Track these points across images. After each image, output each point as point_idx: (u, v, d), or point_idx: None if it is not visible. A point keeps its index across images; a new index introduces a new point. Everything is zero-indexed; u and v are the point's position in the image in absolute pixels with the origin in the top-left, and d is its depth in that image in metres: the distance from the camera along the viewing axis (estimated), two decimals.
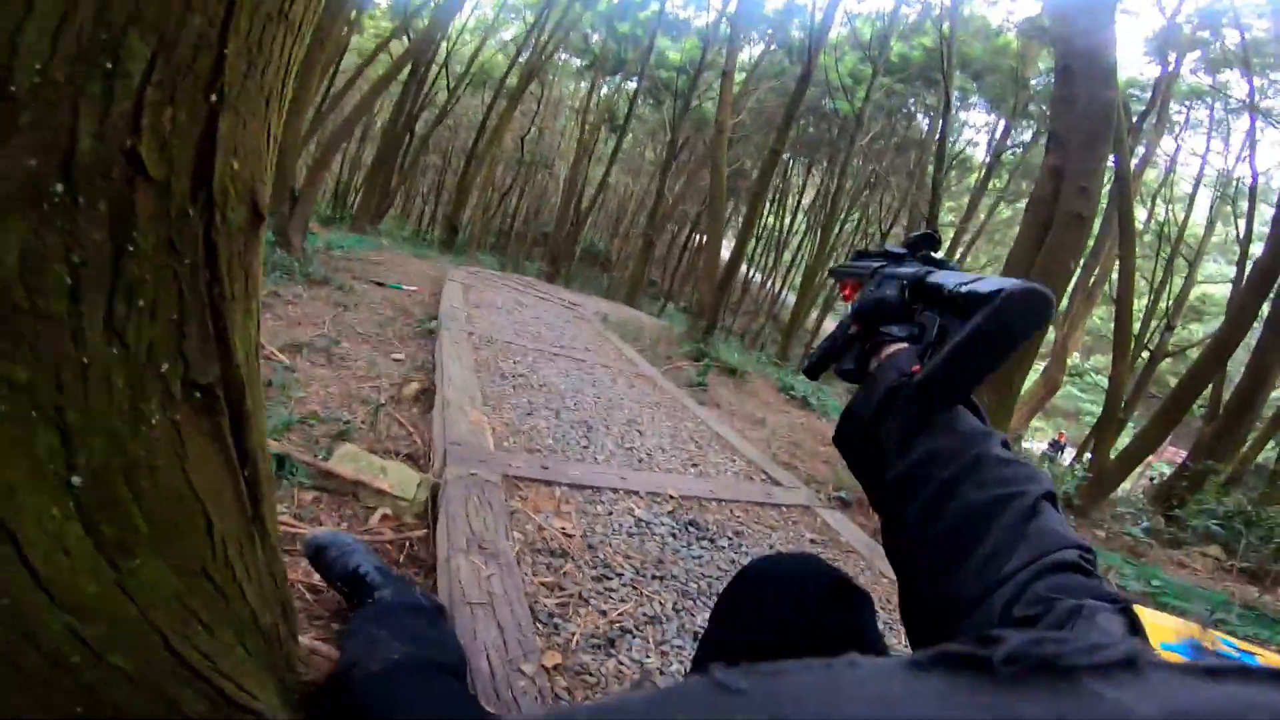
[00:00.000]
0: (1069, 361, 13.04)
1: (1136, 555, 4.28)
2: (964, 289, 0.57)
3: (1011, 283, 0.52)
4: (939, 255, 0.78)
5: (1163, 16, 10.90)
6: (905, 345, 0.67)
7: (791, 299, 19.26)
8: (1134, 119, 10.44)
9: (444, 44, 12.55)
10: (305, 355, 3.08)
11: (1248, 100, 10.30)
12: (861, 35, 12.99)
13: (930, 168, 11.66)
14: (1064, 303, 10.39)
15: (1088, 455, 8.55)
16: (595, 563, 1.75)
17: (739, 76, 12.94)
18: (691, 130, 15.60)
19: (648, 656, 1.44)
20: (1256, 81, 10.25)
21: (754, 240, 20.70)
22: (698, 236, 21.83)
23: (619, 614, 1.56)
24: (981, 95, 13.24)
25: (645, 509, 2.18)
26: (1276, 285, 5.35)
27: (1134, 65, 14.12)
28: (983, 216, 15.15)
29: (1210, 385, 6.92)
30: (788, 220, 21.15)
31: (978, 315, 0.53)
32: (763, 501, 2.62)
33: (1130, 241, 7.89)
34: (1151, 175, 13.27)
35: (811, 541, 2.38)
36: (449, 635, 1.15)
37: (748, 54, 15.53)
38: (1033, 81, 12.07)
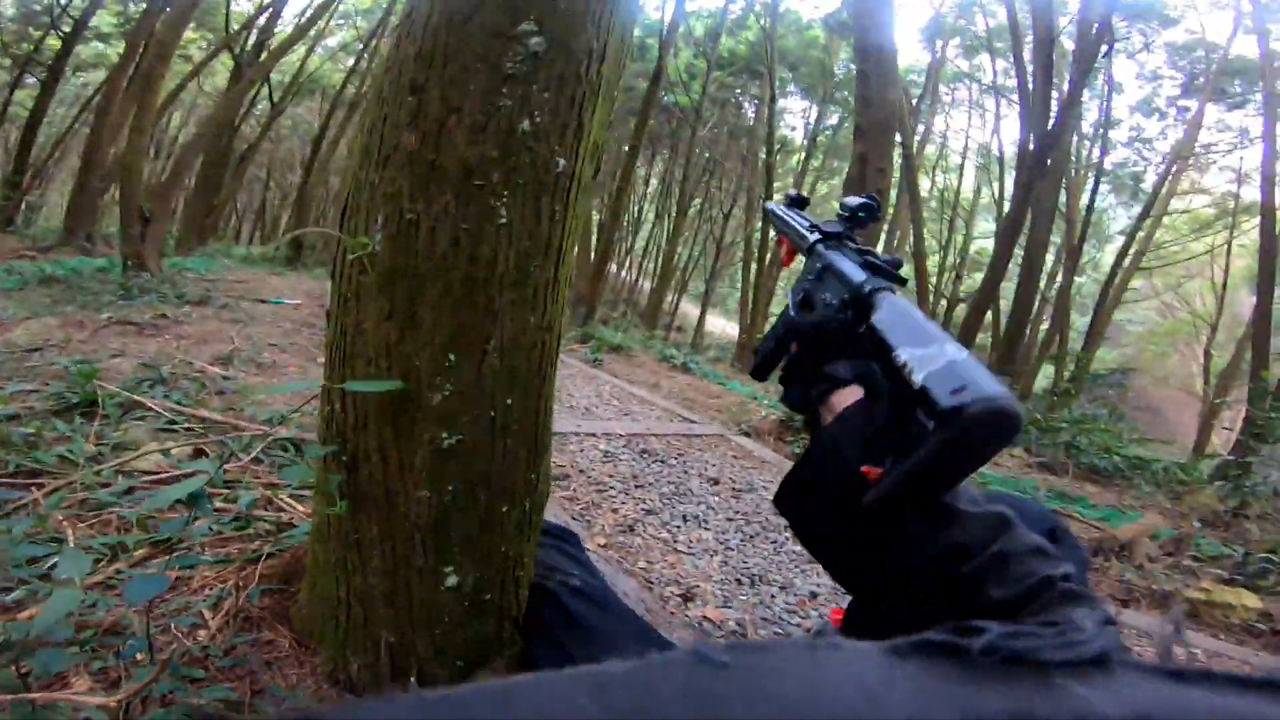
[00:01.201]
0: None
1: None
2: (920, 383, 0.48)
3: (974, 397, 0.44)
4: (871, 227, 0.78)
5: (931, 7, 13.12)
6: (856, 396, 0.61)
7: (646, 284, 20.23)
8: (913, 101, 12.47)
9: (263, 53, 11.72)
10: (237, 366, 3.14)
11: (993, 82, 12.72)
12: (695, 32, 14.04)
13: (761, 152, 13.02)
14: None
15: None
16: (591, 482, 2.21)
17: None
18: None
19: (661, 532, 1.94)
20: (999, 64, 12.64)
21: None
22: None
23: (626, 510, 2.04)
24: (797, 84, 14.86)
25: (606, 444, 2.66)
26: (1024, 235, 6.95)
27: (911, 53, 16.64)
28: (806, 194, 17.02)
29: (994, 320, 8.75)
30: (635, 210, 22.12)
31: (936, 438, 0.46)
32: (687, 434, 3.20)
33: (917, 207, 9.70)
34: (931, 149, 15.85)
35: (734, 457, 2.99)
36: (588, 559, 1.30)
37: None
38: (837, 71, 13.82)
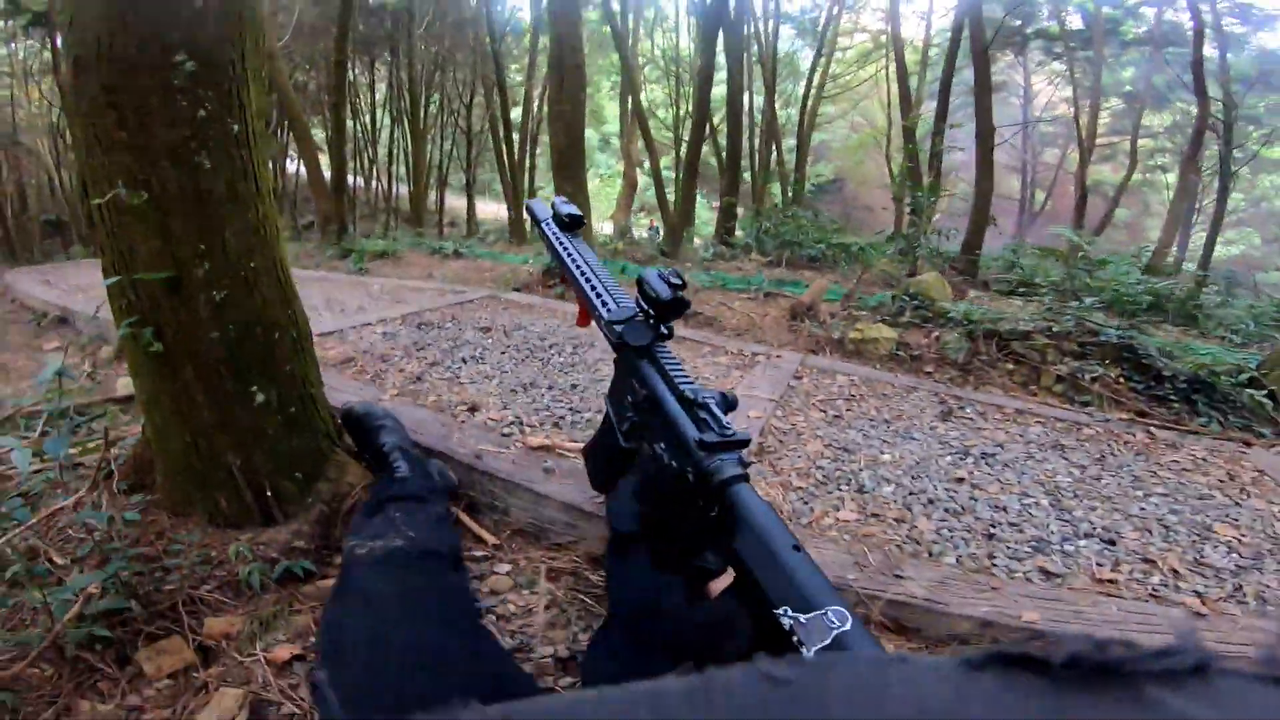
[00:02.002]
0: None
1: (708, 269, 6.37)
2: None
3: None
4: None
5: None
6: (728, 579, 0.65)
7: (403, 189, 18.95)
8: None
9: None
10: None
11: None
12: None
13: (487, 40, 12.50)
14: (618, 125, 13.26)
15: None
16: (375, 359, 2.56)
17: None
18: None
19: (445, 375, 2.41)
20: None
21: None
22: (290, 164, 19.12)
23: (412, 368, 2.46)
24: None
25: (383, 328, 3.01)
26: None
27: None
28: (540, 72, 16.68)
29: (717, 154, 9.97)
30: (368, 119, 20.05)
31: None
32: (460, 302, 3.62)
33: (633, 74, 10.48)
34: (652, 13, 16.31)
35: (504, 309, 3.49)
36: (444, 520, 1.33)
37: None
38: None
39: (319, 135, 13.16)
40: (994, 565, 1.50)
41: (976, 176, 7.00)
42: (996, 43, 13.55)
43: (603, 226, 15.55)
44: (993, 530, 1.65)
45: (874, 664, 0.23)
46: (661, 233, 12.44)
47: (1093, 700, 0.20)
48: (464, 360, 2.58)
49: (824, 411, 2.41)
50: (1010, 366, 3.36)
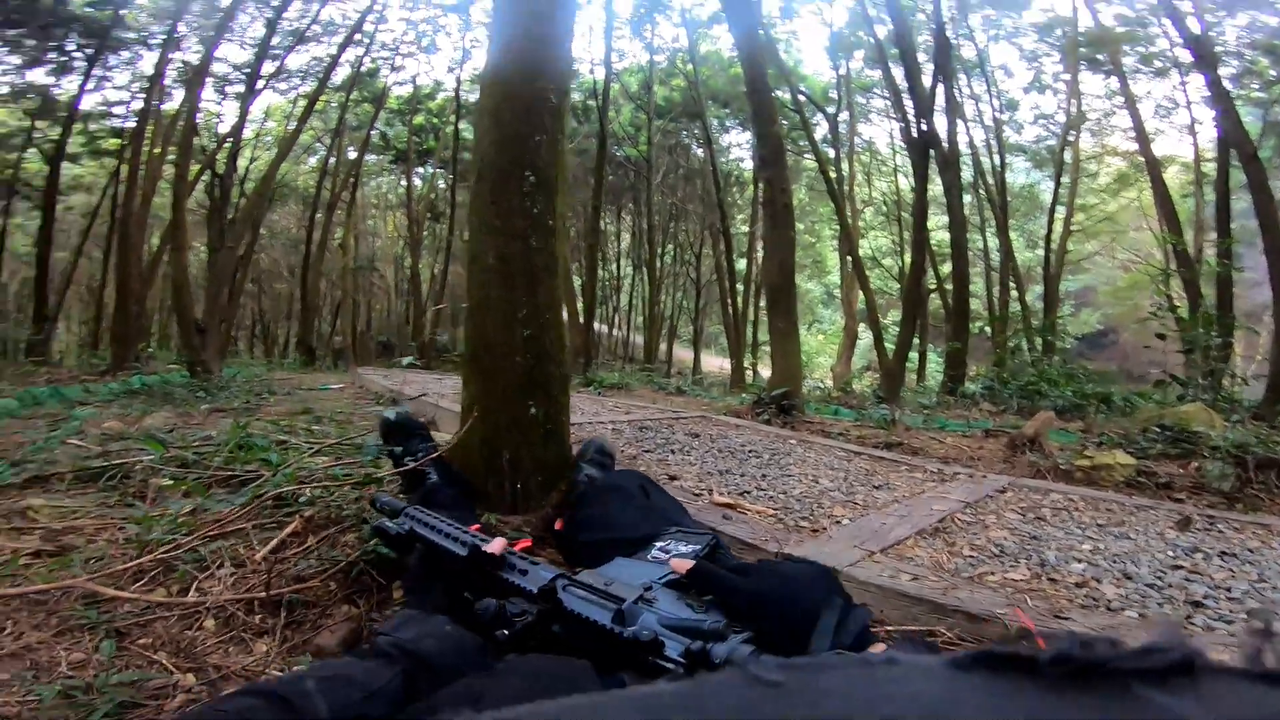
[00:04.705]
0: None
1: (927, 414, 6.16)
2: None
3: None
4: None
5: (827, 28, 14.63)
6: None
7: (639, 339, 21.08)
8: (833, 112, 13.77)
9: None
10: (327, 422, 4.01)
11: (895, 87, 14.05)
12: (630, 87, 15.41)
13: (713, 190, 14.22)
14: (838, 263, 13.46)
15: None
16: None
17: None
18: None
19: (655, 457, 2.85)
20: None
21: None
22: None
23: (630, 452, 2.94)
24: (734, 118, 15.99)
25: (613, 426, 3.60)
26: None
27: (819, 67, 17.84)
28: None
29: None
30: (614, 268, 23.28)
31: None
32: (675, 417, 4.12)
33: (846, 223, 10.92)
34: (867, 157, 16.99)
35: (713, 424, 3.88)
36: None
37: None
38: None
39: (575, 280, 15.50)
40: (1189, 624, 1.37)
41: (1274, 301, 5.85)
42: None
43: (824, 379, 15.42)
44: (1200, 601, 1.49)
45: (863, 664, 0.23)
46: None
47: (1079, 698, 0.20)
48: (671, 451, 3.01)
49: (1021, 514, 2.30)
50: None
